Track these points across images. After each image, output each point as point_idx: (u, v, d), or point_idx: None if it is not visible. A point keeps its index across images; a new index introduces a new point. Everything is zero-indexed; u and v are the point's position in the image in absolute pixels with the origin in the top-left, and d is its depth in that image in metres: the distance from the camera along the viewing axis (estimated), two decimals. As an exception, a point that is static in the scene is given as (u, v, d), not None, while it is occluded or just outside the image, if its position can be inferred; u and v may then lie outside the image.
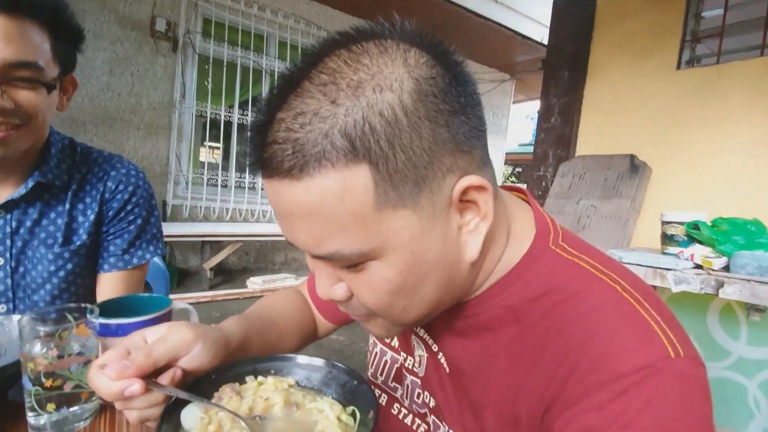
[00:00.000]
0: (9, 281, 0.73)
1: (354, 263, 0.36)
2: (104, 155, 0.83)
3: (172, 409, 0.43)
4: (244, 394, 0.48)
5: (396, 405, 0.57)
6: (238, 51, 3.91)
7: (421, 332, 0.51)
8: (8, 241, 0.72)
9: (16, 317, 0.61)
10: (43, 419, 0.48)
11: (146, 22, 3.41)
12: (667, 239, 1.54)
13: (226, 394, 0.47)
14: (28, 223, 0.73)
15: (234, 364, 0.51)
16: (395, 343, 0.57)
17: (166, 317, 0.57)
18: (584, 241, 0.44)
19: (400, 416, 0.56)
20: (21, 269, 0.74)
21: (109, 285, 0.81)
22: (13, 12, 0.58)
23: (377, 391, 0.59)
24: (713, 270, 1.28)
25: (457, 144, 0.35)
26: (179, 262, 3.92)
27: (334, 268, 0.39)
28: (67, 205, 0.76)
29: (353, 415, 0.46)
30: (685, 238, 1.48)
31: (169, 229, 3.28)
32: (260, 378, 0.50)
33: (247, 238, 3.78)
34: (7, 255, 0.72)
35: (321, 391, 0.50)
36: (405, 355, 0.55)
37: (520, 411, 0.39)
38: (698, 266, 1.34)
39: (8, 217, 0.72)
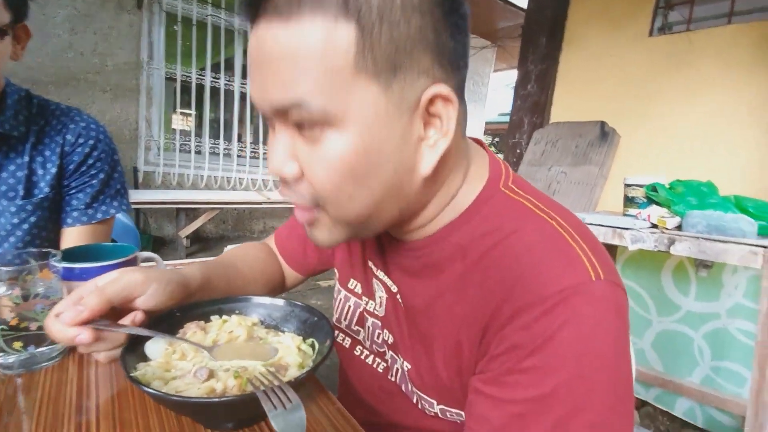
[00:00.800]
0: None
1: (313, 123, 0.36)
2: (62, 108, 0.82)
3: (136, 342, 0.45)
4: (208, 330, 0.50)
5: (358, 347, 0.60)
6: (208, 9, 3.72)
7: (381, 275, 0.54)
8: None
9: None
10: (11, 358, 0.49)
11: (107, -26, 3.20)
12: (628, 201, 1.61)
13: (190, 329, 0.49)
14: None
15: (199, 304, 0.53)
16: (359, 289, 0.60)
17: (131, 263, 0.59)
18: (531, 185, 0.48)
19: (362, 356, 0.60)
20: None
21: (72, 239, 0.82)
22: None
23: (341, 335, 0.62)
24: (667, 229, 1.36)
25: (438, 53, 0.37)
26: (154, 229, 3.86)
27: (292, 139, 0.38)
28: (26, 158, 0.75)
29: (312, 346, 0.49)
30: (645, 200, 1.55)
31: (141, 196, 3.21)
32: (225, 316, 0.53)
33: (223, 206, 3.74)
34: None
35: (283, 327, 0.53)
36: (367, 300, 0.58)
37: (462, 339, 0.42)
38: (654, 226, 1.42)
39: None
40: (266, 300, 0.55)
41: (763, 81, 2.40)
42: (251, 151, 4.30)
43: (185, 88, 3.86)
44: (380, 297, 0.54)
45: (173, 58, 3.67)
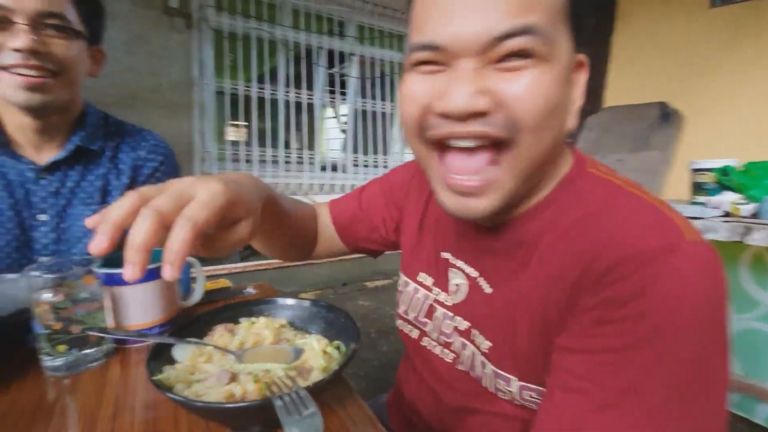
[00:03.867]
0: (53, 235, 0.81)
1: (526, 52, 0.36)
2: (136, 128, 0.92)
3: (166, 345, 0.46)
4: (236, 332, 0.50)
5: (425, 338, 0.60)
6: (251, 23, 3.87)
7: (460, 263, 0.53)
8: (51, 200, 0.80)
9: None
10: (57, 361, 0.52)
11: (159, -2, 3.42)
12: (696, 188, 1.46)
13: (218, 332, 0.49)
14: (70, 184, 0.81)
15: (228, 306, 0.54)
16: (428, 281, 0.59)
17: (167, 267, 0.60)
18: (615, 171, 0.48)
19: (429, 347, 0.59)
20: (62, 225, 0.82)
21: None
22: None
23: (408, 326, 0.62)
24: (742, 217, 1.21)
25: (587, 30, 0.41)
26: (210, 236, 4.07)
27: (481, 72, 0.37)
28: (103, 169, 0.84)
29: (338, 348, 0.47)
30: (716, 186, 1.39)
31: (197, 204, 3.38)
32: (252, 318, 0.53)
33: (272, 211, 3.85)
34: (52, 212, 0.80)
35: (311, 329, 0.52)
36: (438, 291, 0.57)
37: (549, 302, 0.41)
38: (727, 214, 1.27)
39: (51, 178, 0.80)
40: (294, 302, 0.54)
41: None
42: (297, 157, 4.42)
43: (234, 99, 4.04)
44: (457, 284, 0.54)
45: (221, 72, 3.85)
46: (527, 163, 0.39)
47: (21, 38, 0.65)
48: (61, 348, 0.51)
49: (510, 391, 0.46)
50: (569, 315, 0.39)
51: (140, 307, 0.58)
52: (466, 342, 0.52)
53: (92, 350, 0.54)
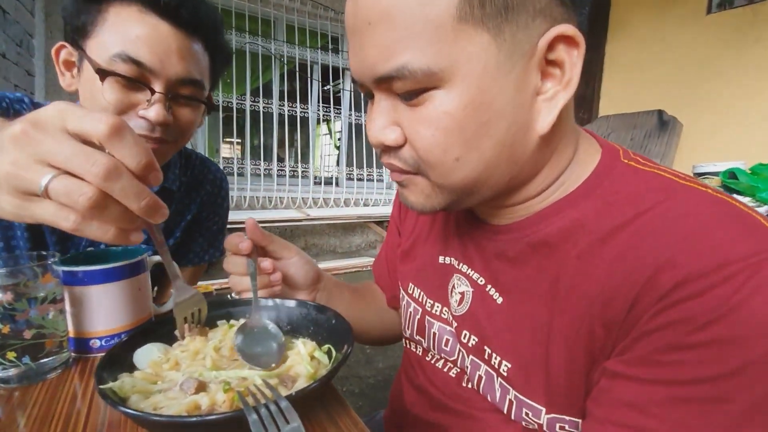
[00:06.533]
0: None
1: (417, 88, 0.33)
2: (200, 157, 0.85)
3: (125, 349, 0.40)
4: (212, 336, 0.44)
5: (428, 354, 0.54)
6: (245, 37, 3.88)
7: (464, 268, 0.47)
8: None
9: None
10: (11, 371, 0.45)
11: (153, 12, 3.42)
12: (700, 192, 1.42)
13: (189, 334, 0.43)
14: None
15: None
16: (417, 293, 0.54)
17: (138, 266, 0.54)
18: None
19: (432, 361, 0.53)
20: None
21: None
22: (191, 31, 0.61)
23: (411, 345, 0.56)
24: (753, 219, 1.17)
25: None
26: (202, 251, 3.98)
27: (393, 105, 0.36)
28: (170, 206, 0.77)
29: (329, 353, 0.41)
30: (722, 190, 1.35)
31: (188, 218, 3.31)
32: (232, 321, 0.46)
33: (265, 224, 3.80)
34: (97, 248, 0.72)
35: (298, 332, 0.46)
36: (431, 302, 0.52)
37: (594, 322, 0.34)
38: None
39: None
40: (277, 302, 0.48)
41: None
42: (291, 170, 4.39)
43: (227, 116, 4.03)
44: (462, 292, 0.47)
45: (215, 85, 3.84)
46: (451, 185, 0.36)
47: (155, 109, 0.58)
48: (11, 355, 0.44)
49: (537, 422, 0.39)
50: (624, 335, 0.33)
51: (105, 311, 0.52)
52: (478, 361, 0.45)
53: (49, 359, 0.47)
